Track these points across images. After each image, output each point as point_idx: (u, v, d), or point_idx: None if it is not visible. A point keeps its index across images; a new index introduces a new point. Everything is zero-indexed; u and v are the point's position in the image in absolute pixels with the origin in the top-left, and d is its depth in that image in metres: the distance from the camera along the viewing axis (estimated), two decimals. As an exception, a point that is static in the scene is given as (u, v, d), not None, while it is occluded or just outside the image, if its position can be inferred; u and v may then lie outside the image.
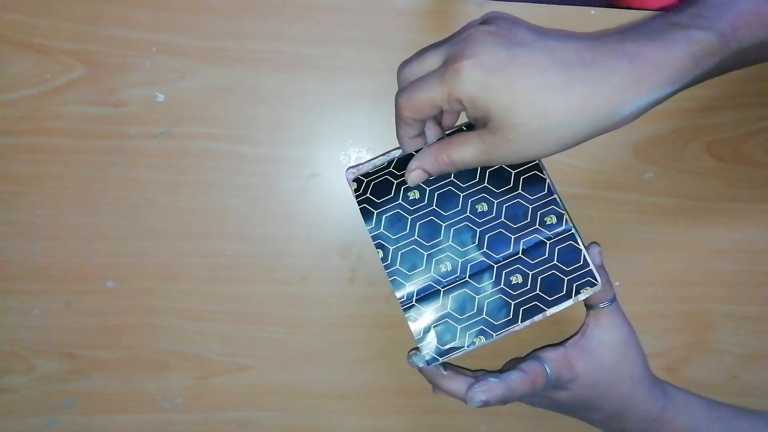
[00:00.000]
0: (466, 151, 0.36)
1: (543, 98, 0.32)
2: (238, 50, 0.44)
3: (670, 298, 0.47)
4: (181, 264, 0.45)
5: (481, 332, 0.41)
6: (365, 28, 0.45)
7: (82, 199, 0.44)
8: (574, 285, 0.40)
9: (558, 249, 0.41)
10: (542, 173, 0.41)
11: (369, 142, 0.46)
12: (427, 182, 0.41)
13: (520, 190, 0.41)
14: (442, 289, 0.41)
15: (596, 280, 0.40)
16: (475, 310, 0.41)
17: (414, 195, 0.42)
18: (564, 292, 0.40)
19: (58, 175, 0.44)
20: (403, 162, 0.40)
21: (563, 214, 0.41)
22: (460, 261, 0.41)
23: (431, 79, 0.34)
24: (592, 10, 0.46)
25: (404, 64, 0.38)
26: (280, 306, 0.46)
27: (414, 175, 0.38)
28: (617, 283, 0.47)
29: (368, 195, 0.42)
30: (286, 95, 0.45)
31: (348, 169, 0.41)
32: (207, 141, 0.45)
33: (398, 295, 0.41)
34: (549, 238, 0.41)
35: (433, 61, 0.36)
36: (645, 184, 0.47)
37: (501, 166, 0.41)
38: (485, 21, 0.36)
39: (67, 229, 0.44)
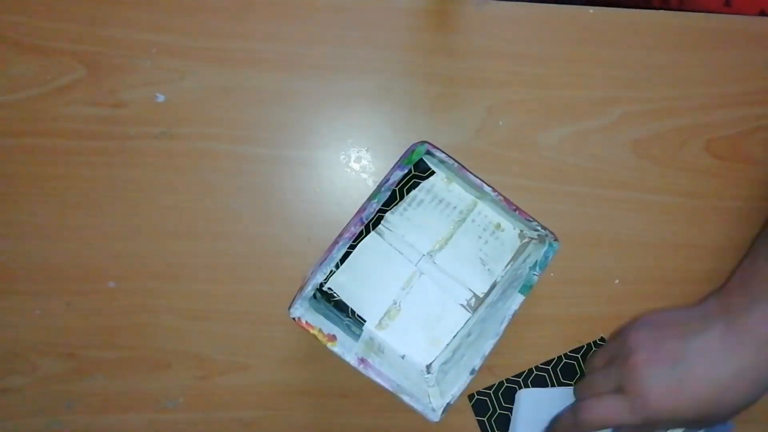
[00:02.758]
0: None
1: (721, 399, 0.38)
2: (238, 50, 0.44)
3: (670, 297, 0.48)
4: (181, 264, 0.45)
5: None
6: (365, 28, 0.45)
7: (83, 199, 0.44)
8: None
9: None
10: None
11: (369, 142, 0.46)
12: None
13: None
14: None
15: None
16: None
17: None
18: None
19: (59, 176, 0.44)
20: None
21: None
22: None
23: (619, 410, 0.40)
24: (591, 9, 0.46)
25: (582, 384, 0.44)
26: (280, 306, 0.46)
27: None
28: (616, 281, 0.47)
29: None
30: (286, 95, 0.45)
31: None
32: (207, 141, 0.45)
33: None
34: None
35: (607, 384, 0.42)
36: (644, 183, 0.47)
37: None
38: (636, 341, 0.41)
39: (69, 230, 0.44)
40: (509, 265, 0.45)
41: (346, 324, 0.43)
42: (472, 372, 0.40)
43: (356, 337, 0.43)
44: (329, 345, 0.40)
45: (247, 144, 0.45)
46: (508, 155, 0.46)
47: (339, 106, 0.45)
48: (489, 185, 0.41)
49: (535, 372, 0.47)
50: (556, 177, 0.46)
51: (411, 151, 0.42)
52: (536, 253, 0.42)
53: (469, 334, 0.44)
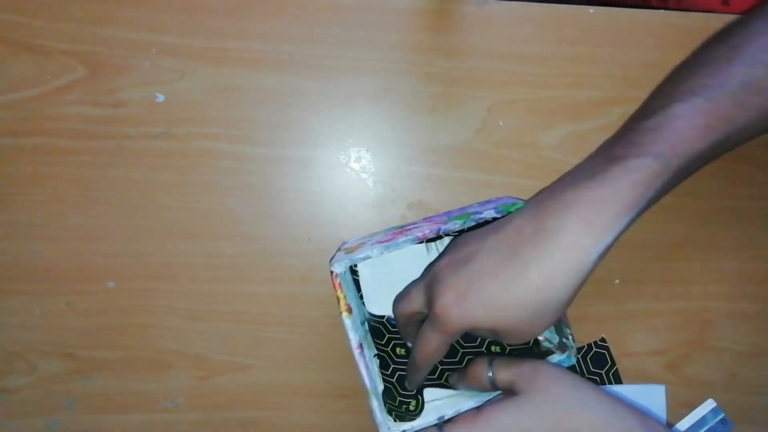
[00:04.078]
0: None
1: (508, 297, 0.34)
2: (238, 50, 0.44)
3: (670, 296, 0.48)
4: (181, 264, 0.45)
5: None
6: (365, 28, 0.45)
7: (82, 199, 0.44)
8: None
9: None
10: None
11: (369, 142, 0.46)
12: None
13: None
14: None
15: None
16: None
17: (401, 352, 0.43)
18: None
19: (58, 176, 0.44)
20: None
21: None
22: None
23: (426, 330, 0.37)
24: (591, 9, 0.46)
25: (398, 302, 0.41)
26: (280, 306, 0.46)
27: None
28: (616, 281, 0.47)
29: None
30: (286, 95, 0.45)
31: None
32: (207, 141, 0.45)
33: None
34: None
35: (419, 299, 0.39)
36: (644, 183, 0.47)
37: None
38: (445, 250, 0.39)
39: (68, 230, 0.44)
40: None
41: (357, 305, 0.43)
42: (440, 419, 0.40)
43: (361, 322, 0.43)
44: (345, 315, 0.39)
45: (247, 144, 0.45)
46: (508, 155, 0.46)
47: (339, 106, 0.45)
48: None
49: (535, 372, 0.47)
50: (557, 177, 0.46)
51: (513, 203, 0.41)
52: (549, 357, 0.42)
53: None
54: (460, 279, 0.35)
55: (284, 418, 0.46)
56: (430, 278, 0.38)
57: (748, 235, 0.47)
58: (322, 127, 0.45)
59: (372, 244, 0.40)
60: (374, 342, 0.44)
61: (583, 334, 0.47)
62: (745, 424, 0.47)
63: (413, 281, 0.40)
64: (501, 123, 0.46)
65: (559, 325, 0.42)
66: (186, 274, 0.45)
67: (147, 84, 0.44)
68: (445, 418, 0.40)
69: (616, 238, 0.34)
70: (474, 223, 0.41)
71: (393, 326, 0.43)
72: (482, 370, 0.39)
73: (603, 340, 0.47)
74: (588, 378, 0.47)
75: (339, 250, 0.43)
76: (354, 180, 0.46)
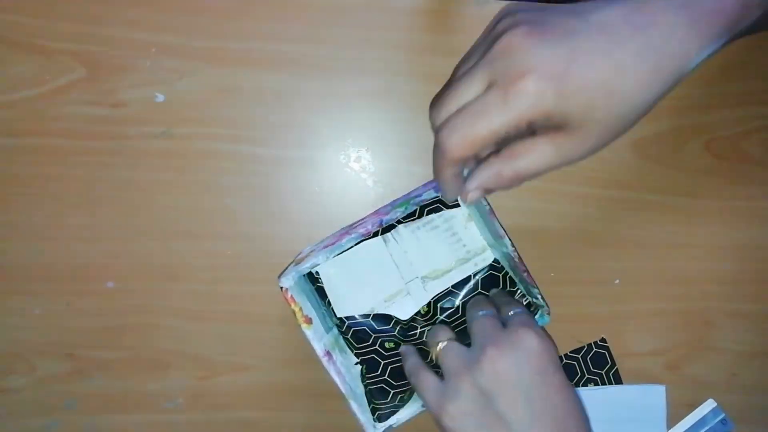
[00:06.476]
0: (539, 159, 0.32)
1: (618, 83, 0.30)
2: (238, 50, 0.44)
3: (670, 297, 0.48)
4: (181, 264, 0.45)
5: None
6: (365, 28, 0.45)
7: (82, 199, 0.44)
8: None
9: None
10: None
11: (369, 142, 0.46)
12: (404, 334, 0.43)
13: None
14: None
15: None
16: None
17: (390, 345, 0.43)
18: None
19: (58, 176, 0.44)
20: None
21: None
22: None
23: (488, 109, 0.31)
24: (591, 9, 0.46)
25: (438, 102, 0.34)
26: (280, 306, 0.46)
27: (473, 195, 0.34)
28: (616, 281, 0.47)
29: (348, 337, 0.43)
30: (286, 95, 0.45)
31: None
32: (207, 141, 0.45)
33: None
34: None
35: (473, 89, 0.32)
36: (644, 183, 0.47)
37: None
38: (508, 22, 0.32)
39: (68, 230, 0.44)
40: None
41: (323, 313, 0.43)
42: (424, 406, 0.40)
43: (328, 329, 0.43)
44: (304, 327, 0.40)
45: (247, 144, 0.45)
46: (508, 155, 0.46)
47: (339, 106, 0.45)
48: (510, 239, 0.41)
49: (535, 372, 0.47)
50: (557, 177, 0.46)
51: None
52: None
53: None
54: (558, 51, 0.30)
55: (284, 418, 0.46)
56: (499, 52, 0.31)
57: (747, 234, 0.47)
58: (322, 127, 0.45)
59: (318, 251, 0.41)
60: (357, 346, 0.43)
61: (583, 334, 0.47)
62: (745, 424, 0.48)
63: (459, 73, 0.34)
64: (501, 123, 0.46)
65: (527, 286, 0.43)
66: (186, 274, 0.45)
67: (147, 84, 0.44)
68: None
69: (707, 58, 0.32)
70: (415, 207, 0.42)
71: (378, 326, 0.43)
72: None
73: (603, 340, 0.47)
74: (588, 378, 0.47)
75: (292, 262, 0.43)
76: (354, 180, 0.46)
